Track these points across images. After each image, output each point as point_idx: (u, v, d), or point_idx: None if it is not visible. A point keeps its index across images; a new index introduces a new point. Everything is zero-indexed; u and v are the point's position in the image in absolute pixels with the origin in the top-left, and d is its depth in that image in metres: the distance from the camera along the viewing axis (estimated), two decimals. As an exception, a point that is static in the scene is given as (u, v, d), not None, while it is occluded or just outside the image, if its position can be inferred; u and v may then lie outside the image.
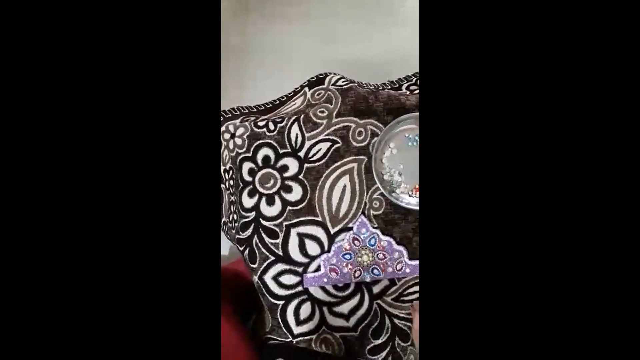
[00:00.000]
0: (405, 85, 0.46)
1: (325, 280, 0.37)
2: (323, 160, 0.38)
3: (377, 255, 0.37)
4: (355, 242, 0.37)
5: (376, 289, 0.38)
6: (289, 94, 0.45)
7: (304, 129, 0.38)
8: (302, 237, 0.38)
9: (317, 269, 0.37)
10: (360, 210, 0.38)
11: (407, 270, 0.37)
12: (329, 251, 0.37)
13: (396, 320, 0.37)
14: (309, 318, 0.38)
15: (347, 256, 0.37)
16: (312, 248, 0.38)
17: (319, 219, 0.38)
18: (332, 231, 0.38)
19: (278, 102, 0.46)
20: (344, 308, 0.38)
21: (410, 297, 0.38)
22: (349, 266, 0.37)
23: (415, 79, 0.46)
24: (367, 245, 0.37)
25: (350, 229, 0.38)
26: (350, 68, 0.52)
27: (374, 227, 0.37)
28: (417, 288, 0.38)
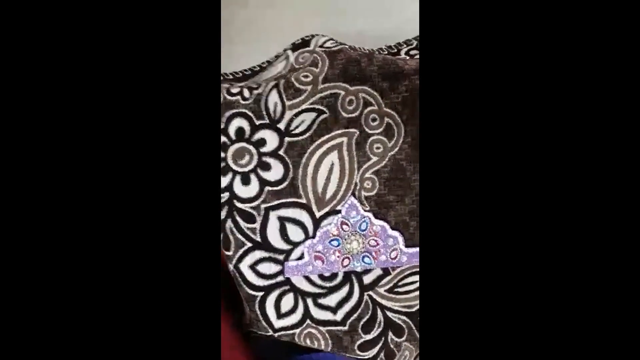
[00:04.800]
0: (405, 49, 0.40)
1: (309, 269, 0.33)
2: (307, 134, 0.33)
3: (369, 241, 0.33)
4: (344, 226, 0.33)
5: (367, 279, 0.34)
6: (271, 59, 0.40)
7: (284, 96, 0.33)
8: (283, 221, 0.33)
9: (301, 257, 0.33)
10: (350, 192, 0.33)
11: (403, 259, 0.33)
12: (313, 237, 0.33)
13: (389, 314, 0.34)
14: (292, 311, 0.34)
15: (335, 242, 0.33)
16: (295, 233, 0.33)
17: (303, 200, 0.33)
18: (318, 215, 0.33)
19: (258, 68, 0.40)
20: (331, 300, 0.34)
21: (406, 289, 0.34)
22: (337, 254, 0.33)
23: (416, 42, 0.40)
24: (358, 230, 0.33)
25: (339, 212, 0.33)
26: (356, 43, 0.45)
27: (365, 210, 0.33)
28: (414, 278, 0.33)
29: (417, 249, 0.33)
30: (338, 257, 0.33)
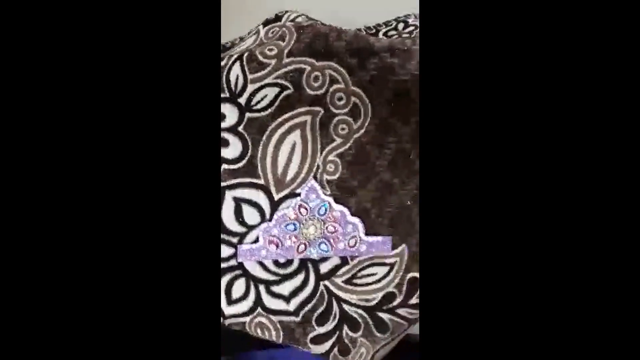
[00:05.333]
0: (384, 30, 0.38)
1: (263, 253, 0.31)
2: (269, 110, 0.31)
3: (327, 227, 0.31)
4: (302, 210, 0.31)
5: (324, 268, 0.32)
6: (242, 36, 0.38)
7: (246, 69, 0.31)
8: (238, 202, 0.31)
9: (255, 241, 0.31)
10: (312, 174, 0.31)
11: (362, 248, 0.31)
12: (270, 220, 0.31)
13: (346, 307, 0.31)
14: (243, 297, 0.32)
15: (291, 227, 0.31)
16: (251, 216, 0.31)
17: (261, 181, 0.31)
18: (276, 197, 0.31)
19: (230, 44, 0.38)
20: (285, 288, 0.32)
21: (365, 280, 0.31)
22: (293, 239, 0.31)
23: (395, 23, 0.38)
24: (316, 215, 0.31)
25: (298, 195, 0.31)
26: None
27: (325, 194, 0.31)
28: (374, 270, 0.31)
29: (378, 238, 0.31)
30: (294, 242, 0.31)
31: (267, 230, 0.31)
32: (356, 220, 0.31)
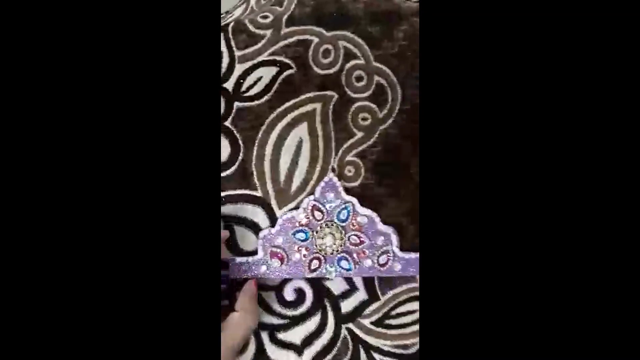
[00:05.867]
0: None
1: (263, 269, 0.23)
2: (265, 98, 0.24)
3: (349, 237, 0.23)
4: (317, 213, 0.23)
5: (347, 306, 0.24)
6: (228, 10, 0.30)
7: (233, 43, 0.24)
8: (230, 222, 0.24)
9: (253, 252, 0.23)
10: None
11: (397, 267, 0.23)
12: (273, 225, 0.23)
13: (377, 356, 0.24)
14: (239, 350, 0.24)
15: (301, 235, 0.23)
16: (248, 243, 0.24)
17: (258, 193, 0.24)
18: (279, 214, 0.24)
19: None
20: (295, 335, 0.24)
21: (401, 320, 0.24)
22: (303, 251, 0.23)
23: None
24: (335, 220, 0.23)
25: (311, 193, 0.23)
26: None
27: (348, 194, 0.23)
28: (414, 306, 0.24)
29: (417, 255, 0.23)
30: (305, 256, 0.23)
31: (269, 239, 0.23)
32: (389, 229, 0.23)
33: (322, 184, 0.23)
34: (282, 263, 0.23)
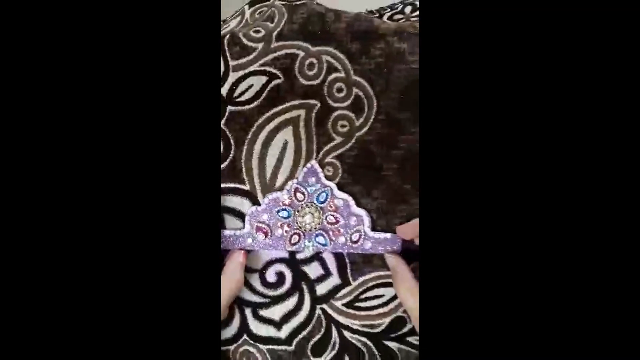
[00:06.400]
0: (388, 14, 0.33)
1: (249, 242, 0.26)
2: (255, 103, 0.26)
3: (327, 217, 0.26)
4: (299, 195, 0.26)
5: (321, 289, 0.27)
6: (225, 19, 0.33)
7: (228, 54, 0.26)
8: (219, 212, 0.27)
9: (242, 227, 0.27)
10: None
11: (367, 245, 0.26)
12: (258, 204, 0.27)
13: (347, 334, 0.27)
14: (226, 323, 0.27)
15: (284, 213, 0.26)
16: (234, 224, 0.27)
17: (246, 187, 0.27)
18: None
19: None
20: (275, 312, 0.27)
21: (370, 303, 0.27)
22: (285, 227, 0.26)
23: (402, 6, 0.33)
24: (315, 201, 0.26)
25: (294, 177, 0.27)
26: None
27: (327, 179, 0.26)
28: (381, 291, 0.27)
29: (386, 235, 0.26)
30: (286, 232, 0.26)
31: (255, 215, 0.26)
32: (362, 212, 0.26)
33: (304, 169, 0.26)
34: (266, 237, 0.27)
